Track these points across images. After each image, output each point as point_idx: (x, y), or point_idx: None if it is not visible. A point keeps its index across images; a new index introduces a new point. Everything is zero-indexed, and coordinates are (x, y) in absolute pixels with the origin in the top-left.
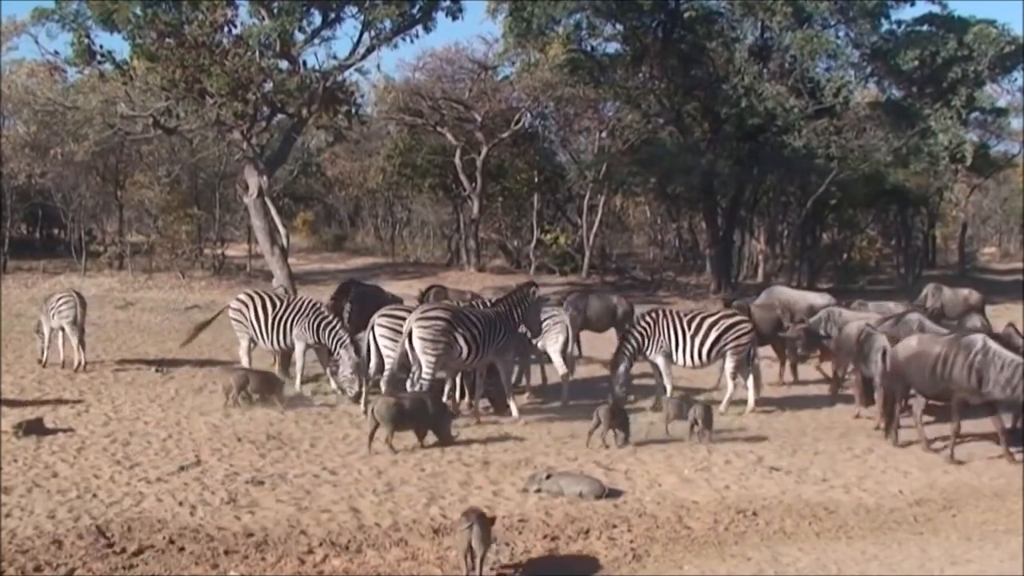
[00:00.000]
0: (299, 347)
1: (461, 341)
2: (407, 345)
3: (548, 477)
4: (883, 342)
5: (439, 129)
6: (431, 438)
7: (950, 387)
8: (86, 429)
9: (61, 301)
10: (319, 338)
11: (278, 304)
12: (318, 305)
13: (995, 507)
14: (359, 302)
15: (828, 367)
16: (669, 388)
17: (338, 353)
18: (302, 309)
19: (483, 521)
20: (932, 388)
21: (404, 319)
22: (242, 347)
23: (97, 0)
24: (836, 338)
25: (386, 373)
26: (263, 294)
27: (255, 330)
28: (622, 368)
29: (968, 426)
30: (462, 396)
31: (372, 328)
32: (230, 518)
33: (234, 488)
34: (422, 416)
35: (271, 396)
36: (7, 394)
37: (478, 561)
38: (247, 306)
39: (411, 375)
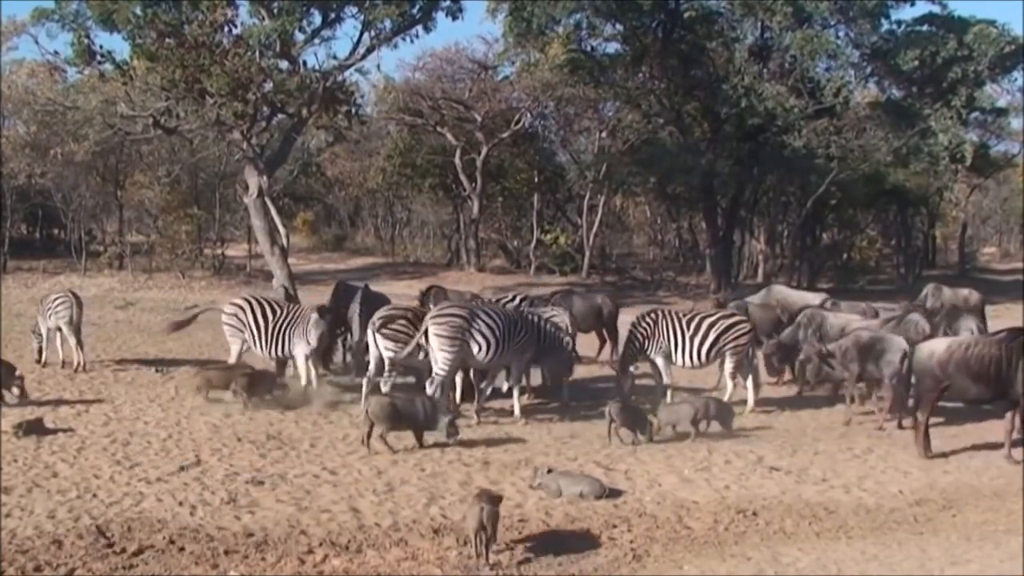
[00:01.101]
0: (300, 355)
1: (479, 339)
2: (424, 343)
3: (549, 472)
4: (902, 344)
5: (439, 129)
6: (430, 439)
7: (1012, 389)
8: (86, 429)
9: (57, 302)
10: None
11: (278, 311)
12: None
13: (995, 507)
14: (368, 303)
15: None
16: (669, 389)
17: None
18: (300, 316)
19: (493, 502)
20: (985, 392)
21: (406, 319)
22: (233, 352)
23: (97, 0)
24: (839, 341)
25: (385, 373)
26: (261, 300)
27: (253, 337)
28: (631, 368)
29: (968, 426)
30: (463, 397)
31: (374, 329)
32: (230, 518)
33: (234, 488)
34: (417, 415)
35: (271, 395)
36: (7, 394)
37: (487, 540)
38: (243, 310)
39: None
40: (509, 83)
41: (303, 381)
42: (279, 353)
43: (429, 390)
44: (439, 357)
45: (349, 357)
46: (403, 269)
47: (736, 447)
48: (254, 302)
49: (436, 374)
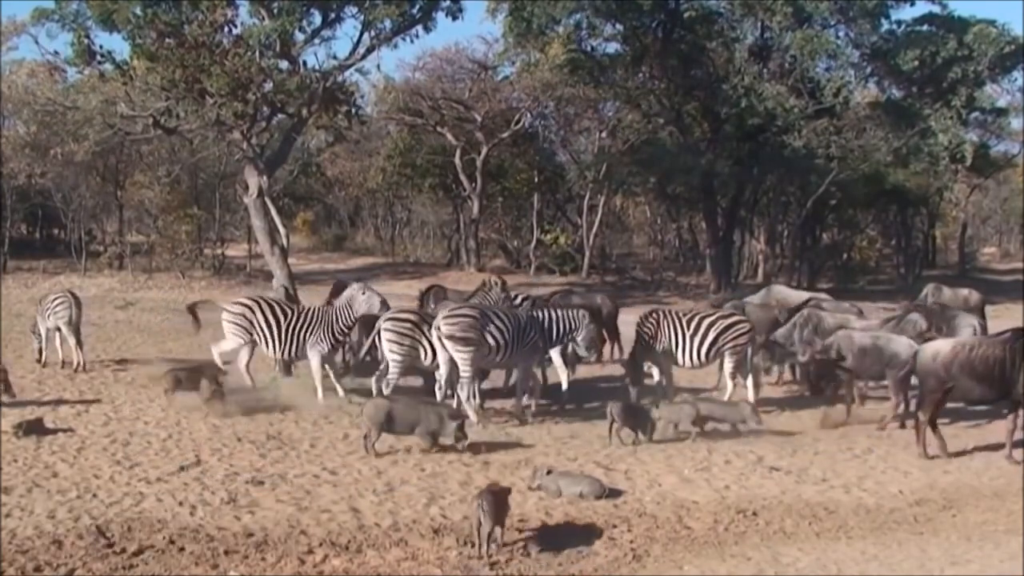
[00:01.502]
0: (315, 357)
1: (490, 339)
2: (438, 345)
3: (548, 473)
4: (913, 345)
5: (439, 129)
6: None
7: (1015, 390)
8: (86, 429)
9: (56, 302)
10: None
11: (290, 313)
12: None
13: (995, 507)
14: None
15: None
16: (669, 389)
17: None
18: (317, 318)
19: (494, 497)
20: (988, 393)
21: (410, 323)
22: (232, 350)
23: (97, 0)
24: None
25: (389, 376)
26: (270, 300)
27: (263, 337)
28: (643, 368)
29: (968, 426)
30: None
31: (377, 332)
32: (230, 518)
33: (234, 488)
34: (416, 421)
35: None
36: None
37: (486, 534)
38: (251, 310)
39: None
40: (509, 83)
41: (317, 384)
42: (292, 355)
43: (461, 393)
44: (458, 357)
45: (349, 357)
46: (403, 269)
47: (736, 447)
48: (263, 303)
49: (461, 375)
